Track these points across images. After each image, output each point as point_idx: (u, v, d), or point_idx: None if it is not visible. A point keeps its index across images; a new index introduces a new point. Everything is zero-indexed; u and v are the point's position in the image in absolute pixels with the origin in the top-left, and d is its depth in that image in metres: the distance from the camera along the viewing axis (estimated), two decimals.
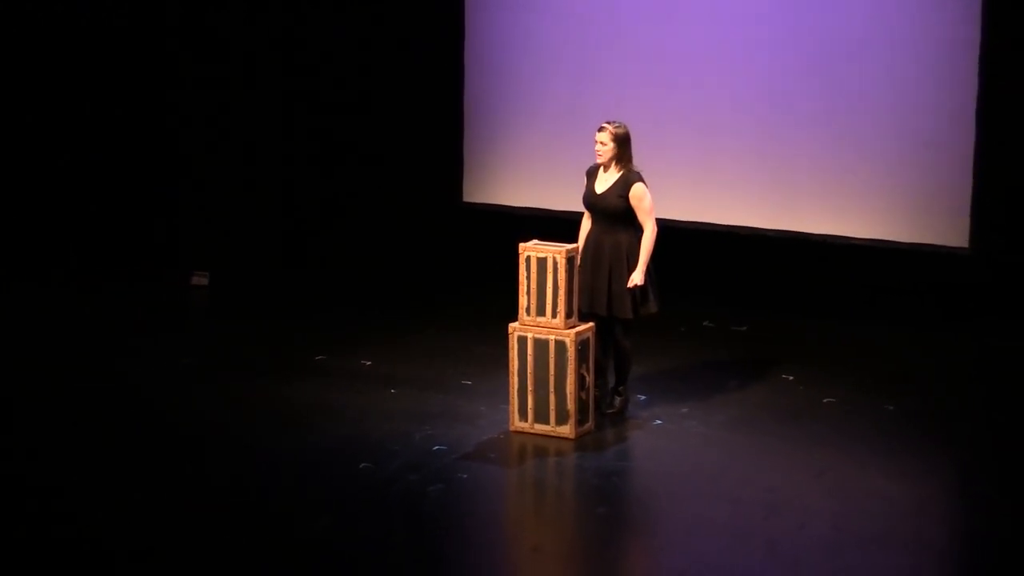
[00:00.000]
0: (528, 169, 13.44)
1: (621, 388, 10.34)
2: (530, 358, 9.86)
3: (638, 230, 10.04)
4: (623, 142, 10.03)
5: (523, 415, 9.92)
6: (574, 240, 10.11)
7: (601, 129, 10.06)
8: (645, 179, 10.04)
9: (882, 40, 12.28)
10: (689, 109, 12.90)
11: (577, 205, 10.32)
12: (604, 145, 10.03)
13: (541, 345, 9.84)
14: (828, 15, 12.42)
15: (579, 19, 13.17)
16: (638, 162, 10.33)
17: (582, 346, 9.85)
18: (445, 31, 13.64)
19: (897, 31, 12.23)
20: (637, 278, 9.97)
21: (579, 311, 9.93)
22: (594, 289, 10.02)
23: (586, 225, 10.19)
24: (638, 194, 10.00)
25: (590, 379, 9.93)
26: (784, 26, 12.56)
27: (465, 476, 9.25)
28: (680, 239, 12.52)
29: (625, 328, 10.15)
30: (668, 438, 9.95)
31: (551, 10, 13.27)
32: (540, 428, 9.88)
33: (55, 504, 8.81)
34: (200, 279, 13.43)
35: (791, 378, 11.16)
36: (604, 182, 10.08)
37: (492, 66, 13.54)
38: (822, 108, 12.52)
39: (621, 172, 10.05)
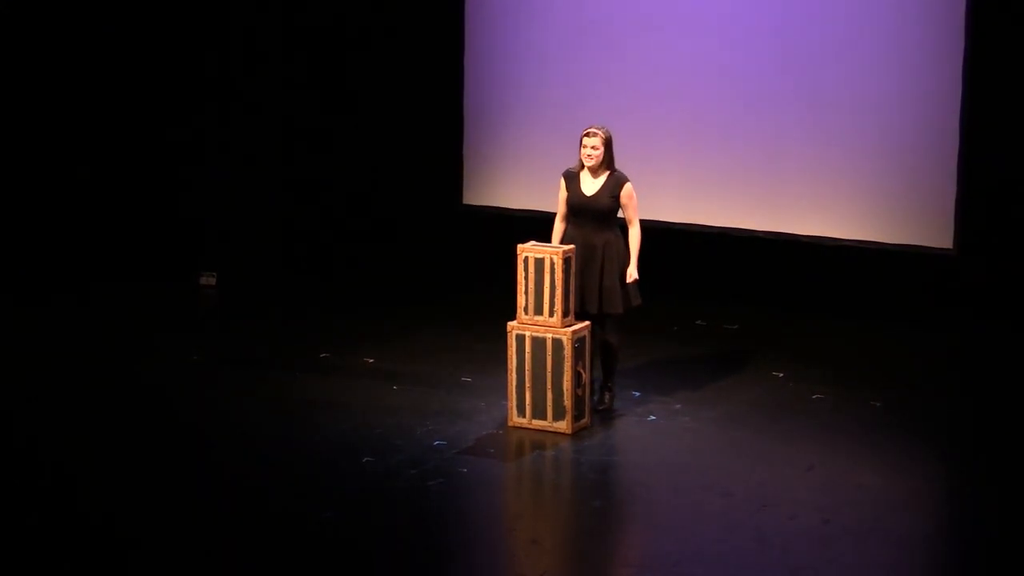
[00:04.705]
0: (526, 172, 13.43)
1: (610, 384, 10.34)
2: (528, 356, 9.85)
3: (620, 229, 10.07)
4: (610, 145, 10.07)
5: (521, 411, 9.92)
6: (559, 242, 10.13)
7: (592, 135, 10.04)
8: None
9: (868, 47, 12.27)
10: (683, 115, 12.89)
11: None
12: (596, 149, 10.01)
13: (539, 343, 9.83)
14: (814, 21, 12.41)
15: (575, 27, 13.17)
16: (634, 165, 10.34)
17: (579, 344, 9.84)
18: (446, 38, 13.64)
19: (882, 37, 12.22)
20: (635, 273, 10.03)
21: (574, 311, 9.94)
22: (586, 288, 10.01)
23: (560, 228, 10.17)
24: (629, 192, 10.05)
25: (586, 376, 9.92)
26: (772, 33, 12.55)
27: (465, 470, 9.24)
28: (673, 241, 12.58)
29: (615, 323, 10.15)
30: (661, 433, 9.95)
31: (549, 18, 13.27)
32: (538, 424, 9.88)
33: (68, 495, 8.81)
34: (208, 279, 13.47)
35: (781, 375, 11.16)
36: (592, 185, 10.07)
37: (491, 72, 13.53)
38: (810, 114, 12.52)
39: (609, 173, 10.06)
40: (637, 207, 10.10)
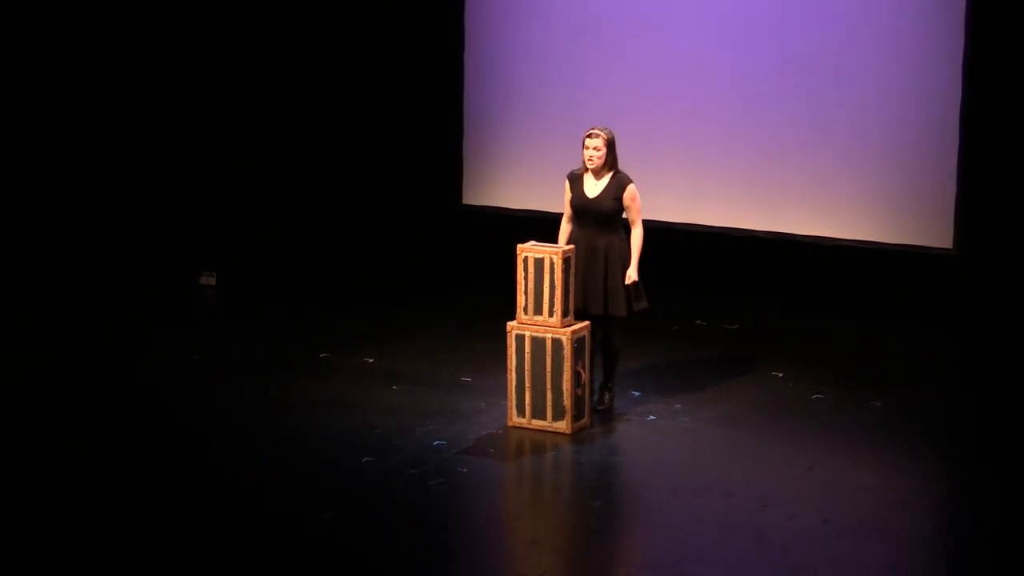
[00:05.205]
0: (526, 172, 13.43)
1: (610, 384, 10.34)
2: (528, 356, 9.84)
3: (624, 230, 10.05)
4: (613, 146, 10.03)
5: (521, 411, 9.90)
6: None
7: (595, 136, 10.00)
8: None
9: (868, 47, 12.28)
10: (682, 115, 12.89)
11: None
12: (599, 151, 9.98)
13: (538, 343, 9.81)
14: (814, 22, 12.41)
15: (575, 28, 13.17)
16: (634, 165, 10.30)
17: (578, 344, 9.83)
18: (446, 40, 13.63)
19: (882, 38, 12.22)
20: (634, 275, 9.99)
21: (575, 309, 9.91)
22: (589, 289, 9.99)
23: (566, 228, 10.14)
24: (632, 194, 10.02)
25: (586, 376, 9.89)
26: (772, 34, 12.55)
27: (465, 470, 9.24)
28: (673, 241, 12.56)
29: (619, 326, 10.13)
30: (661, 433, 9.94)
31: (548, 19, 13.27)
32: (537, 424, 9.87)
33: (69, 494, 8.80)
34: (208, 279, 13.45)
35: (781, 375, 11.15)
36: (595, 187, 10.04)
37: (491, 73, 13.53)
38: (811, 114, 12.52)
39: (611, 175, 10.03)
40: (640, 209, 10.06)
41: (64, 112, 13.84)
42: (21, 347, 11.57)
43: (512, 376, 9.89)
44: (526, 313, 9.84)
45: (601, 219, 10.00)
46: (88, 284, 13.34)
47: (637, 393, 10.62)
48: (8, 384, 10.72)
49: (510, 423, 9.93)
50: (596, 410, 10.17)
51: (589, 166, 10.01)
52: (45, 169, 13.84)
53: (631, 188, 10.00)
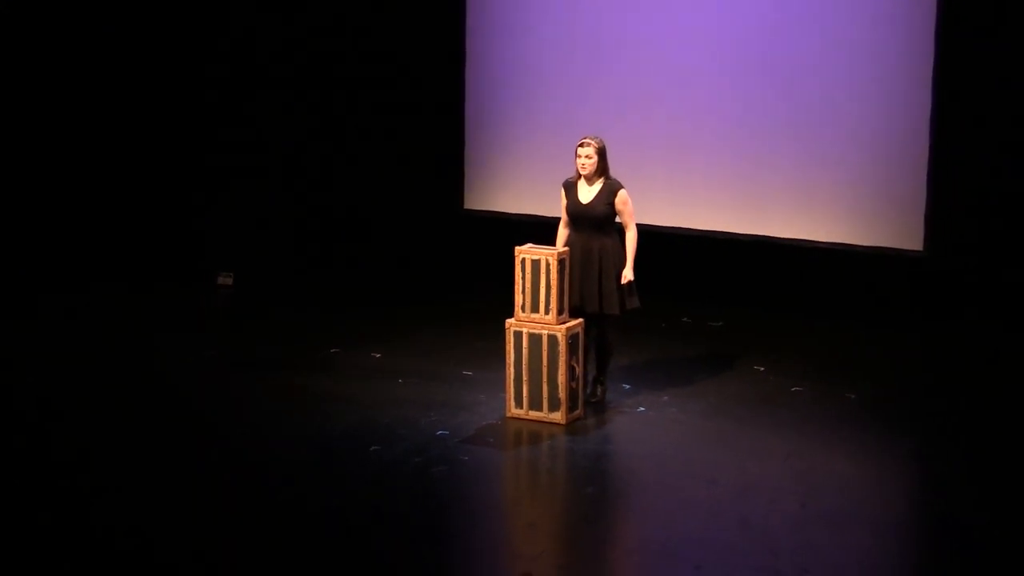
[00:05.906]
0: (524, 179, 13.45)
1: (602, 378, 10.37)
2: (525, 351, 9.91)
3: (617, 233, 10.14)
4: (603, 154, 10.07)
5: (519, 403, 9.96)
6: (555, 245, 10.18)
7: (586, 144, 10.04)
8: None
9: (844, 59, 12.29)
10: (670, 124, 12.91)
11: None
12: (590, 158, 10.02)
13: (535, 339, 9.89)
14: (793, 38, 12.44)
15: (570, 41, 13.18)
16: (624, 172, 10.38)
17: (572, 340, 9.90)
18: (448, 53, 13.64)
19: (858, 50, 12.24)
20: (630, 274, 10.03)
21: (571, 307, 9.99)
22: (585, 289, 10.05)
23: (563, 233, 10.19)
24: (624, 198, 10.05)
25: (579, 370, 9.99)
26: (754, 49, 12.58)
27: (466, 458, 9.25)
28: (660, 243, 12.50)
29: (613, 324, 10.23)
30: (650, 424, 9.98)
31: (545, 33, 13.27)
32: (534, 415, 9.92)
33: (86, 485, 8.78)
34: (225, 279, 13.49)
35: (762, 369, 11.21)
36: (588, 193, 10.09)
37: (491, 84, 13.55)
38: (788, 123, 12.54)
39: (603, 181, 10.07)
40: (633, 212, 10.09)
41: (91, 120, 13.70)
42: (39, 346, 11.52)
43: (510, 370, 9.94)
44: (523, 311, 9.89)
45: (595, 223, 10.07)
46: (109, 285, 13.30)
47: (628, 386, 10.67)
48: (25, 383, 10.60)
49: (508, 414, 9.97)
50: (589, 402, 10.22)
51: (582, 173, 10.05)
52: (72, 176, 13.76)
53: (622, 193, 10.06)
